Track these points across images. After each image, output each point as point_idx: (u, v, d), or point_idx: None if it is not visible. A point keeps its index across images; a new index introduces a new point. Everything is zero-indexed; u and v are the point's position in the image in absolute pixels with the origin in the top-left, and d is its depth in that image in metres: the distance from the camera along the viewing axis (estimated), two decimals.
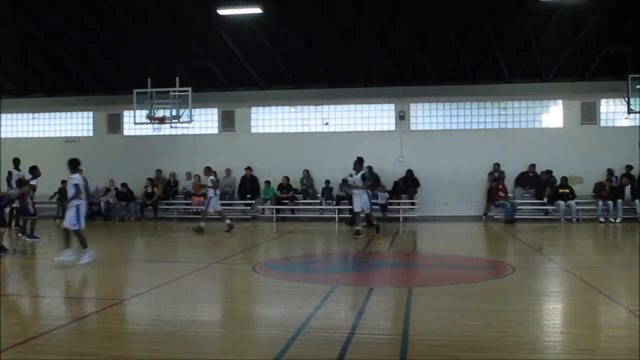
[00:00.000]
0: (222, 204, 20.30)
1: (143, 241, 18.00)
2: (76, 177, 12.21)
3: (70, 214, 12.04)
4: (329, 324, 7.27)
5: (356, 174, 16.51)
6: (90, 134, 26.46)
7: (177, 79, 22.57)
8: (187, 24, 22.17)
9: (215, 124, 25.51)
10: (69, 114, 26.69)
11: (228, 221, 18.84)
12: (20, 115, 27.08)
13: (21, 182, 15.48)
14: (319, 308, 8.05)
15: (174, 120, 23.07)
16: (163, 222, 23.20)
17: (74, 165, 12.46)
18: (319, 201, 23.44)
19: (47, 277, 11.55)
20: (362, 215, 16.81)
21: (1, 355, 5.88)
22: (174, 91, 22.73)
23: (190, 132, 24.53)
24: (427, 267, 12.33)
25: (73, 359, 5.97)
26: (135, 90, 22.85)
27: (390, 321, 7.65)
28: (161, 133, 24.46)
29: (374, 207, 18.14)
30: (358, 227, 15.89)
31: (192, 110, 23.01)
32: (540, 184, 22.40)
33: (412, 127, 24.11)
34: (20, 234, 16.29)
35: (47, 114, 26.84)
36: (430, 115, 24.25)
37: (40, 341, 6.51)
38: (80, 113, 26.56)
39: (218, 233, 18.39)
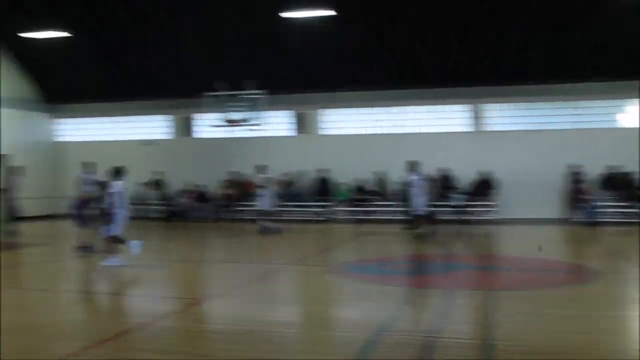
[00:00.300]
0: (297, 206, 20.44)
1: (220, 242, 18.20)
2: (116, 185, 12.41)
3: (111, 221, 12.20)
4: (408, 326, 7.16)
5: (412, 175, 16.02)
6: (167, 136, 26.97)
7: (249, 82, 22.75)
8: (260, 27, 22.33)
9: (289, 126, 25.61)
10: (145, 117, 27.27)
11: (273, 225, 18.94)
12: (100, 119, 27.83)
13: (102, 185, 15.85)
14: (398, 310, 7.93)
15: (246, 123, 23.26)
16: (239, 223, 23.42)
17: (117, 173, 12.82)
18: (393, 203, 23.21)
19: (130, 276, 11.80)
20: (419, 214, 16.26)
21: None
22: (247, 94, 22.92)
23: (263, 134, 24.68)
24: (508, 270, 12.01)
25: (156, 357, 6.04)
26: (209, 94, 23.15)
27: (472, 325, 7.47)
28: (235, 136, 24.68)
29: (450, 209, 17.83)
30: (421, 230, 15.33)
31: (265, 112, 23.16)
32: (625, 185, 21.54)
33: (488, 128, 23.61)
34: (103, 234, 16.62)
35: (124, 117, 27.48)
36: (505, 116, 23.68)
37: (126, 337, 6.64)
38: (155, 116, 27.11)
39: (292, 234, 18.43)
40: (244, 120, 23.17)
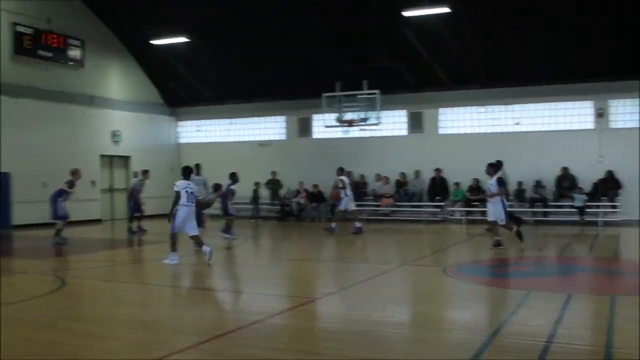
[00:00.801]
0: (412, 206, 20.24)
1: (333, 241, 18.32)
2: (179, 184, 12.72)
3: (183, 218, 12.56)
4: (523, 330, 6.94)
5: (490, 179, 14.70)
6: (283, 137, 27.45)
7: (364, 82, 22.80)
8: (374, 26, 22.35)
9: (404, 125, 25.45)
10: (262, 118, 27.88)
11: (357, 224, 18.90)
12: (218, 121, 28.72)
13: (217, 187, 16.39)
14: (513, 314, 7.72)
15: (362, 123, 23.34)
16: (353, 223, 23.49)
17: (186, 172, 13.27)
18: (510, 203, 22.60)
19: (243, 273, 12.10)
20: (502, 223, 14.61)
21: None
22: (362, 94, 22.99)
23: (379, 134, 24.67)
24: (632, 275, 11.41)
25: (267, 354, 6.15)
26: (324, 95, 23.39)
27: (591, 331, 7.17)
28: (350, 136, 24.79)
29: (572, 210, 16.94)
30: (498, 238, 14.57)
31: (381, 112, 23.14)
32: None
33: (613, 125, 22.52)
34: (221, 232, 17.12)
35: (242, 119, 28.21)
36: (632, 112, 22.48)
37: (238, 334, 6.80)
38: (273, 117, 27.66)
39: (407, 234, 18.31)
40: (360, 120, 23.25)
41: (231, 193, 17.20)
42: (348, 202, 19.16)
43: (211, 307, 8.81)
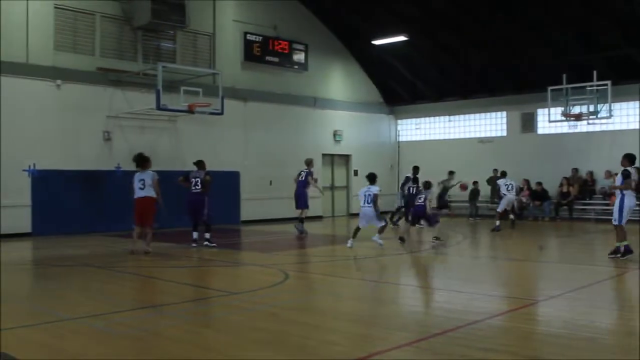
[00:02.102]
0: None
1: (557, 241, 17.46)
2: (373, 188, 14.28)
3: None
4: None
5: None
6: (504, 133, 26.63)
7: (594, 72, 21.42)
8: (603, 11, 20.93)
9: (638, 118, 23.55)
10: (482, 114, 27.24)
11: (497, 223, 18.79)
12: (436, 118, 28.55)
13: (428, 185, 16.47)
14: None
15: (591, 117, 21.96)
16: (579, 222, 22.21)
17: (371, 178, 14.77)
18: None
19: (461, 271, 11.87)
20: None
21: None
22: (591, 86, 21.62)
23: (610, 128, 23.06)
24: None
25: (482, 355, 5.97)
26: (549, 88, 22.32)
27: None
28: (577, 130, 23.43)
29: None
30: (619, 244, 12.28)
31: (612, 104, 21.61)
32: None
33: None
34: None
35: (461, 116, 27.79)
36: None
37: (456, 334, 6.65)
38: (493, 113, 26.93)
39: (636, 235, 16.92)
40: (588, 113, 21.91)
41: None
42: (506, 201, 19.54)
43: (429, 304, 8.72)
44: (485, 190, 24.95)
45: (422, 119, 29.00)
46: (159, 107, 18.69)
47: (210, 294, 9.66)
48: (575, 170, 23.89)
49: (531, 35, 22.86)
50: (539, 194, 23.91)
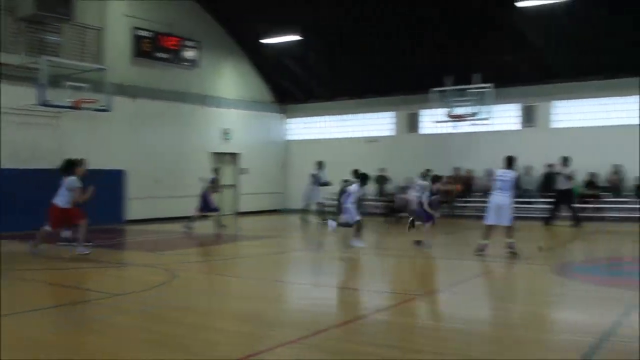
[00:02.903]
0: (522, 202, 19.78)
1: (439, 238, 18.12)
2: (352, 188, 13.82)
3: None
4: (635, 333, 6.61)
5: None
6: (391, 133, 27.35)
7: (476, 75, 22.39)
8: (486, 18, 21.89)
9: (516, 120, 24.79)
10: (371, 114, 27.86)
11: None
12: (327, 117, 28.98)
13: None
14: (626, 315, 7.38)
15: (473, 118, 22.92)
16: (460, 219, 23.14)
17: (362, 178, 14.32)
18: (628, 200, 21.62)
19: (346, 268, 12.15)
20: None
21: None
22: (473, 88, 22.59)
23: (490, 129, 24.14)
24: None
25: (370, 349, 6.15)
26: (433, 89, 23.15)
27: None
28: (460, 131, 24.40)
29: None
30: None
31: (492, 106, 22.65)
32: None
33: None
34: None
35: (351, 115, 28.33)
36: None
37: (341, 330, 6.85)
38: (381, 113, 27.60)
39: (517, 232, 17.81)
40: (470, 115, 22.87)
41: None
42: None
43: (314, 302, 8.91)
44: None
45: (313, 118, 29.36)
46: (42, 103, 18.05)
47: (92, 296, 9.39)
48: (457, 169, 24.86)
49: (418, 37, 23.54)
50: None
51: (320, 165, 21.60)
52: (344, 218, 13.99)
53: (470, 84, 22.61)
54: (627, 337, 6.46)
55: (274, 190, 28.44)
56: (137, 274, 11.61)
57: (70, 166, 12.94)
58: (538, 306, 8.40)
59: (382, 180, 25.27)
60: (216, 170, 21.07)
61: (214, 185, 19.77)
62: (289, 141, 29.82)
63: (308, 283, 10.77)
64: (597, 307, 8.06)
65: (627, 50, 21.32)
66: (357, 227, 13.85)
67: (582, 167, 21.62)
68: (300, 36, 24.38)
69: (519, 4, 19.87)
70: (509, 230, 12.78)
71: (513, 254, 12.45)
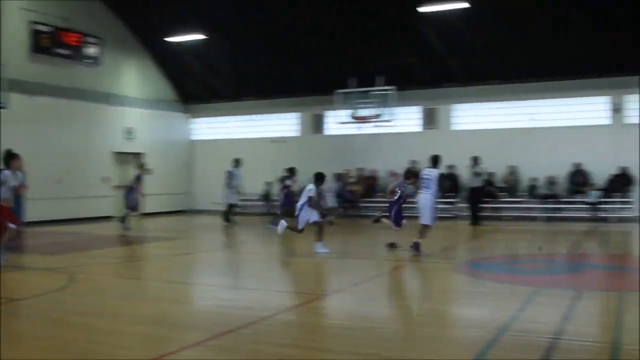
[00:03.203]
0: None
1: (345, 238, 18.35)
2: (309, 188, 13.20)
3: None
4: (531, 327, 6.95)
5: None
6: (297, 134, 27.52)
7: (379, 77, 22.83)
8: (389, 21, 22.34)
9: (418, 122, 25.43)
10: (276, 115, 27.96)
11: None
12: (232, 117, 28.89)
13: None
14: (522, 310, 7.73)
15: (376, 119, 23.35)
16: (365, 219, 23.46)
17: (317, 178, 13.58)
18: (523, 199, 22.59)
19: (252, 270, 12.15)
20: None
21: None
22: (376, 90, 23.00)
23: (393, 130, 24.65)
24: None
25: (274, 350, 6.22)
26: (338, 91, 23.45)
27: (599, 328, 7.18)
28: (364, 132, 24.80)
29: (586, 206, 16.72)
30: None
31: (394, 108, 23.14)
32: None
33: (629, 121, 22.38)
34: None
35: (256, 116, 28.34)
36: None
37: (247, 330, 6.86)
38: (287, 114, 27.73)
39: (414, 230, 18.27)
40: (374, 116, 23.27)
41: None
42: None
43: (220, 303, 8.87)
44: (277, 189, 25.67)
45: (218, 118, 29.17)
46: None
47: None
48: (360, 169, 25.26)
49: (323, 39, 23.76)
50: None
51: (237, 162, 21.27)
52: (302, 219, 13.24)
53: (373, 86, 23.01)
54: (523, 331, 6.76)
55: (178, 191, 28.07)
56: (36, 278, 11.14)
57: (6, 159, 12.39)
58: (440, 303, 8.68)
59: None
60: (141, 167, 20.47)
61: (139, 182, 19.29)
62: (193, 141, 29.50)
63: (215, 284, 10.69)
64: (495, 303, 8.39)
65: (523, 57, 22.31)
66: (319, 230, 13.30)
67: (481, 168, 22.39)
68: (205, 35, 24.17)
69: (421, 9, 20.39)
70: (424, 229, 13.07)
71: (416, 254, 12.71)
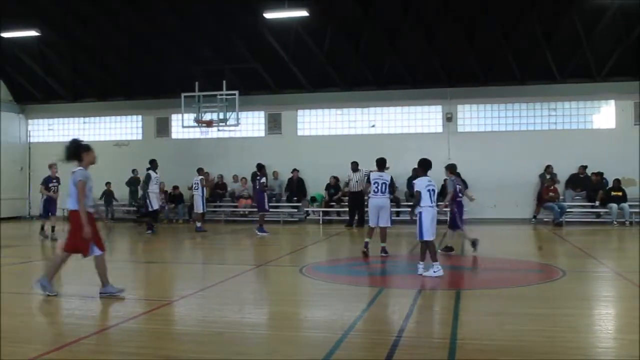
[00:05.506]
0: (269, 207, 20.55)
1: (191, 243, 18.16)
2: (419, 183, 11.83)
3: None
4: (376, 326, 7.24)
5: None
6: (140, 137, 26.87)
7: (224, 82, 22.80)
8: (234, 27, 22.38)
9: (262, 126, 25.65)
10: (118, 117, 27.17)
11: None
12: (71, 119, 27.70)
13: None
14: (366, 310, 8.02)
15: (221, 124, 23.30)
16: (211, 224, 23.34)
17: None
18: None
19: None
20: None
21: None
22: (221, 94, 22.95)
23: (238, 135, 24.71)
24: (475, 270, 12.22)
25: (120, 359, 6.07)
26: (183, 94, 23.16)
27: (438, 324, 7.59)
28: (209, 136, 24.65)
29: None
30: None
31: (239, 113, 23.19)
32: (591, 186, 22.01)
33: (460, 129, 23.87)
34: None
35: (97, 118, 27.37)
36: (478, 117, 24.00)
37: (91, 340, 6.63)
38: (129, 117, 27.02)
39: (267, 236, 18.45)
40: (219, 121, 23.20)
41: None
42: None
43: (62, 313, 8.50)
44: (123, 192, 24.94)
45: (56, 120, 27.87)
46: None
47: None
48: (207, 174, 25.05)
49: (168, 42, 23.38)
50: (174, 197, 24.62)
51: (153, 164, 19.87)
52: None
53: (219, 90, 22.93)
54: (368, 331, 7.04)
55: (13, 196, 26.45)
56: None
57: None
58: (287, 306, 8.79)
59: (133, 183, 24.59)
60: (50, 168, 18.52)
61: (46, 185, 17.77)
62: (30, 143, 27.96)
63: (61, 294, 10.20)
64: (341, 304, 8.64)
65: (364, 66, 23.15)
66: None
67: (327, 172, 23.01)
68: (40, 32, 22.80)
69: (266, 15, 20.59)
70: (384, 231, 13.35)
71: (385, 256, 13.13)
